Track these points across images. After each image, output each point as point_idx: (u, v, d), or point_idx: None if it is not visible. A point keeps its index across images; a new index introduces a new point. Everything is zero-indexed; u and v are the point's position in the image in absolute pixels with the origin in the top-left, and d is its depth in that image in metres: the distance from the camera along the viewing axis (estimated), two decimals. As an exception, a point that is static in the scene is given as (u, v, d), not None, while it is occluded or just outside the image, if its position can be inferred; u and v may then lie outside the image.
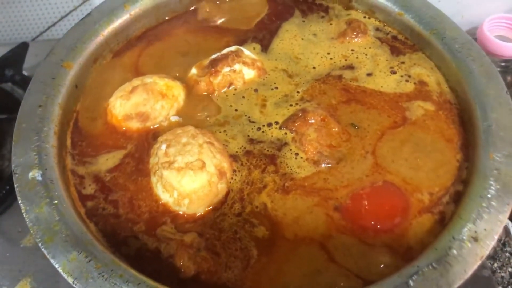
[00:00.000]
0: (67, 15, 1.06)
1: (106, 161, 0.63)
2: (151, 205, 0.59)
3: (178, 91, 0.69)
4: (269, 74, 0.72)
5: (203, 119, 0.67)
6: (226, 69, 0.69)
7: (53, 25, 1.06)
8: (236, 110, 0.68)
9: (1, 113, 1.00)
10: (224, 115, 0.68)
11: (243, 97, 0.70)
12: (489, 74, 0.64)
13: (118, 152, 0.64)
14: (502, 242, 0.87)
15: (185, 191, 0.58)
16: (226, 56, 0.70)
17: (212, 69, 0.69)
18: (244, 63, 0.70)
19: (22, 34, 1.10)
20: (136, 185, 0.61)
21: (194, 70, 0.71)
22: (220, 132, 0.66)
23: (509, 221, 0.89)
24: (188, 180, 0.58)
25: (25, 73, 0.98)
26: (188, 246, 0.55)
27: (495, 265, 0.84)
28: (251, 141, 0.64)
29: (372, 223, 0.56)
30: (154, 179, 0.60)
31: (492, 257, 0.84)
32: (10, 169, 0.92)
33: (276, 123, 0.66)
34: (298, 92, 0.70)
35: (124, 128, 0.66)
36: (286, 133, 0.65)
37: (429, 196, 0.58)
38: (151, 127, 0.67)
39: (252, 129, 0.66)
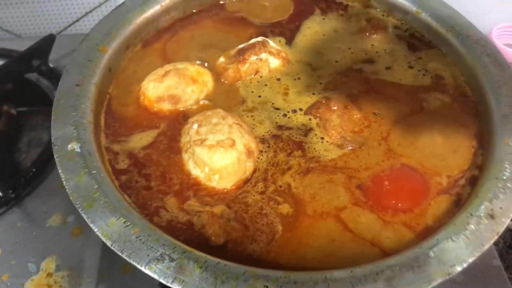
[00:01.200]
0: (91, 11, 1.10)
1: (140, 140, 0.66)
2: (183, 178, 0.62)
3: (207, 78, 0.73)
4: (293, 64, 0.76)
5: (231, 104, 0.70)
6: (253, 58, 0.73)
7: (78, 20, 1.10)
8: (259, 96, 0.72)
9: (21, 106, 1.03)
10: (251, 100, 0.71)
11: (266, 85, 0.73)
12: (502, 67, 0.68)
13: (152, 131, 0.67)
14: (507, 244, 0.89)
15: (216, 166, 0.61)
16: (253, 46, 0.73)
17: (240, 57, 0.72)
18: (270, 52, 0.74)
19: (47, 29, 1.13)
20: (169, 161, 0.64)
21: (222, 59, 0.75)
22: (247, 117, 0.69)
23: (515, 224, 0.92)
24: (219, 157, 0.61)
25: (50, 64, 1.02)
26: (218, 217, 0.58)
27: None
28: (280, 127, 0.68)
29: (393, 202, 0.59)
30: (185, 156, 0.63)
31: (499, 258, 0.86)
32: (27, 161, 0.97)
33: (300, 109, 0.70)
34: (320, 83, 0.73)
35: (155, 109, 0.69)
36: (310, 119, 0.68)
37: (447, 179, 0.61)
38: (181, 109, 0.70)
39: (278, 115, 0.69)
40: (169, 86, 0.70)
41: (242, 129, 0.64)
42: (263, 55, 0.73)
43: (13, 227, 0.78)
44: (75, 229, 0.78)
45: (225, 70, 0.73)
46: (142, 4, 0.78)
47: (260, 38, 0.76)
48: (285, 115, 0.69)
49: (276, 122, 0.68)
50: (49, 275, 0.73)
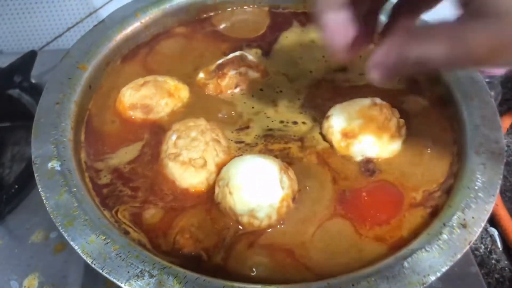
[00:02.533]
0: (73, 26, 1.10)
1: (125, 154, 0.67)
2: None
3: (184, 93, 0.74)
4: (271, 77, 0.77)
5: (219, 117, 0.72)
6: (233, 72, 0.74)
7: (60, 35, 1.10)
8: (253, 107, 0.74)
9: (3, 121, 1.03)
10: (241, 111, 0.73)
11: (253, 96, 0.75)
12: (474, 80, 0.70)
13: (137, 144, 0.69)
14: (488, 250, 0.91)
15: (184, 184, 0.62)
16: (231, 61, 0.75)
17: (220, 72, 0.74)
18: (249, 66, 0.75)
19: (29, 44, 1.14)
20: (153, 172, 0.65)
21: (201, 75, 0.76)
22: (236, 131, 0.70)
23: (494, 230, 0.94)
24: (188, 175, 0.62)
25: (32, 80, 1.02)
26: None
27: (482, 271, 0.87)
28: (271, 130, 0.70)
29: (370, 213, 0.61)
30: (163, 162, 0.65)
31: (480, 264, 0.88)
32: (10, 176, 0.97)
33: (295, 122, 0.72)
34: (299, 99, 0.75)
35: (127, 116, 0.71)
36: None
37: (422, 194, 0.63)
38: (153, 118, 0.71)
39: (273, 121, 0.72)
40: (144, 95, 0.71)
41: (219, 147, 0.65)
42: (242, 69, 0.75)
43: (-5, 244, 0.79)
44: (58, 245, 0.78)
45: (206, 85, 0.74)
46: (121, 21, 0.79)
47: (238, 53, 0.77)
48: (281, 121, 0.72)
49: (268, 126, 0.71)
50: (32, 292, 0.73)
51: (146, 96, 0.71)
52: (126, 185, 0.63)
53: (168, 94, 0.72)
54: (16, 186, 0.84)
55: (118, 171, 0.65)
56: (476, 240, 0.90)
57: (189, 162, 0.63)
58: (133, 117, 0.71)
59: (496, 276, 0.88)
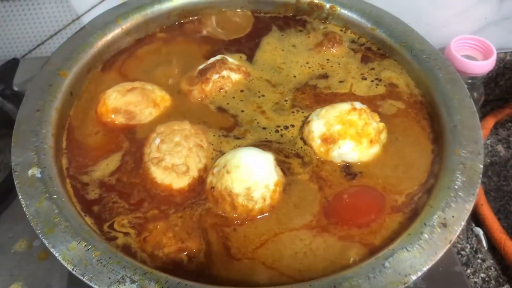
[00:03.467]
0: (56, 33, 1.09)
1: (107, 166, 0.67)
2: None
3: (168, 105, 0.74)
4: (253, 79, 0.78)
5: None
6: (215, 76, 0.74)
7: (42, 43, 1.09)
8: (242, 111, 0.74)
9: (-14, 129, 1.02)
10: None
11: (234, 97, 0.75)
12: (454, 81, 0.71)
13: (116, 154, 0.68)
14: (474, 249, 0.92)
15: (167, 188, 0.63)
16: (213, 65, 0.75)
17: (203, 77, 0.74)
18: (231, 69, 0.76)
19: (11, 52, 1.13)
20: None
21: (183, 82, 0.76)
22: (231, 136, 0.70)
23: (479, 229, 0.95)
24: (171, 180, 0.62)
25: (15, 88, 1.01)
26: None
27: (468, 271, 0.88)
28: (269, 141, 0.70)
29: (351, 216, 0.61)
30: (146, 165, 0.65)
31: (465, 263, 0.89)
32: (-6, 184, 0.96)
33: (292, 126, 0.72)
34: (286, 100, 0.75)
35: (108, 120, 0.71)
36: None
37: (404, 198, 0.63)
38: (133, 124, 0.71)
39: (270, 132, 0.71)
40: (129, 101, 0.71)
41: (202, 152, 0.65)
42: (224, 72, 0.75)
43: (-23, 254, 0.78)
44: (41, 254, 0.77)
45: (190, 92, 0.74)
46: (102, 28, 0.78)
47: (219, 57, 0.77)
48: (277, 131, 0.71)
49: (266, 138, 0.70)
50: (15, 302, 0.72)
51: (131, 103, 0.71)
52: (115, 196, 0.63)
53: (153, 104, 0.72)
54: (-4, 197, 0.84)
55: (105, 185, 0.64)
56: (461, 240, 0.92)
57: (172, 168, 0.63)
58: (115, 121, 0.71)
59: (482, 275, 0.89)
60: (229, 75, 0.75)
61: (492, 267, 0.90)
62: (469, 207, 0.57)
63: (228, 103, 0.75)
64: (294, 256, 0.57)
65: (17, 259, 0.77)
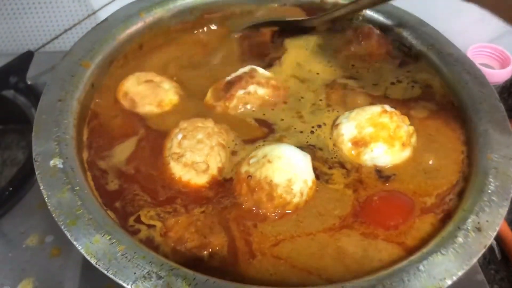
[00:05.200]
0: (70, 28, 1.08)
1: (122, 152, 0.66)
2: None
3: (171, 109, 0.72)
4: (280, 89, 0.75)
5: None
6: (241, 92, 0.71)
7: (56, 37, 1.08)
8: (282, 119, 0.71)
9: (-5, 124, 1.01)
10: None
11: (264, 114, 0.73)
12: (482, 84, 0.70)
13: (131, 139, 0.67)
14: (487, 260, 0.91)
15: (187, 184, 0.61)
16: (240, 79, 0.72)
17: (227, 94, 0.71)
18: (259, 83, 0.72)
19: (24, 45, 1.12)
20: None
21: (209, 94, 0.73)
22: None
23: (493, 240, 0.94)
24: (190, 178, 0.61)
25: (28, 81, 1.00)
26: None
27: (481, 282, 0.87)
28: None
29: (382, 218, 0.59)
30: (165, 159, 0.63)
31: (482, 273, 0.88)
32: (1, 181, 0.94)
33: (324, 124, 0.70)
34: (321, 100, 0.74)
35: (120, 102, 0.71)
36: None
37: (435, 198, 0.62)
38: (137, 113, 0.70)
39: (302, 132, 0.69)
40: (138, 91, 0.71)
41: (223, 152, 0.64)
42: (251, 88, 0.72)
43: (-12, 248, 0.76)
44: (54, 250, 0.76)
45: (214, 108, 0.72)
46: (125, 21, 0.77)
47: (247, 68, 0.74)
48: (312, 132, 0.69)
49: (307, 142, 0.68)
50: (26, 298, 0.70)
51: (139, 93, 0.70)
52: (137, 188, 0.62)
53: (157, 104, 0.71)
54: (10, 189, 0.82)
55: (123, 174, 0.63)
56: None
57: (192, 165, 0.61)
58: (123, 105, 0.71)
59: (495, 286, 0.88)
60: (255, 90, 0.72)
61: (505, 279, 0.89)
62: (503, 212, 0.56)
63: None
64: (321, 255, 0.56)
65: (29, 254, 0.75)
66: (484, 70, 1.10)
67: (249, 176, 0.60)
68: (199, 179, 0.61)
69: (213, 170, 0.62)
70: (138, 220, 0.58)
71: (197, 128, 0.64)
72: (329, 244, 0.57)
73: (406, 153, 0.65)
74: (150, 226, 0.57)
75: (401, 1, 0.80)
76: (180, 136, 0.63)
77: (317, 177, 0.63)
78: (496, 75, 1.12)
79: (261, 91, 0.72)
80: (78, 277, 0.72)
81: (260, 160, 0.60)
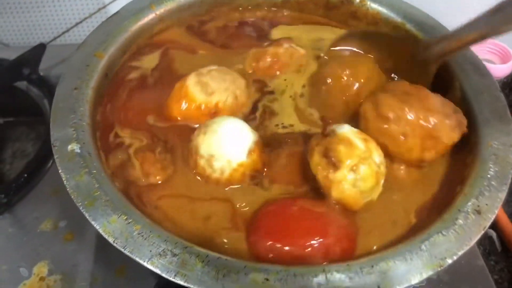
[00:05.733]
0: (81, 22, 1.11)
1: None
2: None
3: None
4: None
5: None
6: (286, 45, 0.78)
7: (67, 30, 1.11)
8: None
9: (7, 116, 1.03)
10: None
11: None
12: (484, 75, 0.72)
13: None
14: (487, 251, 0.93)
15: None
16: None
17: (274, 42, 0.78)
18: None
19: (36, 38, 1.14)
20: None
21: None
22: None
23: (493, 231, 0.95)
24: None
25: (40, 73, 1.02)
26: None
27: (481, 272, 0.88)
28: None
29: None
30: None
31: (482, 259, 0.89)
32: (11, 173, 0.97)
33: None
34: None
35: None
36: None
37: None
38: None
39: None
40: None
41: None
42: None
43: (4, 232, 0.78)
44: (67, 235, 0.78)
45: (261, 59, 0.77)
46: (137, 13, 0.79)
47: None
48: None
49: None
50: (42, 279, 0.72)
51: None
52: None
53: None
54: (25, 175, 0.84)
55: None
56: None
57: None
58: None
59: (495, 277, 0.89)
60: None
61: (505, 269, 0.90)
62: (502, 196, 0.58)
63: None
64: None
65: (43, 238, 0.77)
66: (488, 65, 1.11)
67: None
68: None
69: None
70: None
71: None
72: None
73: None
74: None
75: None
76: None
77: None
78: (497, 70, 1.13)
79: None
80: (91, 260, 0.74)
81: (202, 129, 0.64)
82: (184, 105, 0.68)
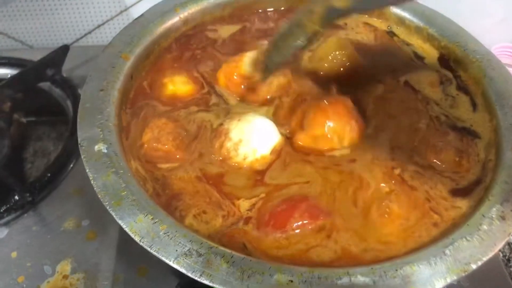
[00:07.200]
0: (103, 24, 1.12)
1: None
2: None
3: None
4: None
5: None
6: None
7: (89, 32, 1.12)
8: None
9: (30, 115, 1.05)
10: None
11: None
12: (508, 81, 0.72)
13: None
14: (507, 257, 0.92)
15: None
16: None
17: None
18: None
19: (59, 40, 1.16)
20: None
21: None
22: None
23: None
24: None
25: (64, 74, 1.04)
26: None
27: (501, 280, 0.88)
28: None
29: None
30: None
31: (503, 266, 0.89)
32: (32, 171, 0.98)
33: None
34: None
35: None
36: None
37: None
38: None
39: None
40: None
41: None
42: None
43: (28, 230, 0.80)
44: (90, 233, 0.79)
45: None
46: (161, 16, 0.80)
47: None
48: None
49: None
50: (65, 277, 0.74)
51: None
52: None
53: None
54: (49, 175, 0.86)
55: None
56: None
57: None
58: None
59: (516, 284, 0.88)
60: None
61: (524, 276, 0.89)
62: (527, 202, 0.58)
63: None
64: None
65: (66, 237, 0.79)
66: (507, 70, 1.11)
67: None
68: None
69: None
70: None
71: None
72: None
73: None
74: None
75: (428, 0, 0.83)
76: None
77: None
78: (518, 75, 1.13)
79: None
80: (113, 259, 0.75)
81: (235, 116, 0.68)
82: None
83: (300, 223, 0.58)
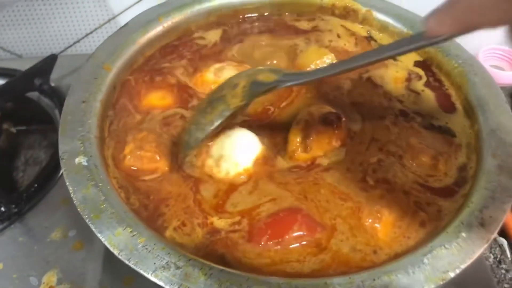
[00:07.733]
0: (91, 32, 1.12)
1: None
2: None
3: None
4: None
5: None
6: None
7: (78, 41, 1.12)
8: None
9: (20, 124, 1.05)
10: None
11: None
12: (489, 86, 0.72)
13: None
14: (498, 259, 0.92)
15: None
16: None
17: None
18: None
19: (48, 49, 1.16)
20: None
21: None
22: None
23: (504, 240, 0.94)
24: None
25: (52, 83, 1.04)
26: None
27: (492, 281, 0.88)
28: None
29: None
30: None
31: (489, 271, 0.89)
32: (23, 180, 0.98)
33: None
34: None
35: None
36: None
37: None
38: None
39: None
40: None
41: None
42: None
43: (14, 241, 0.79)
44: (76, 244, 0.79)
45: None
46: (145, 25, 0.80)
47: None
48: None
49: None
50: (51, 288, 0.73)
51: None
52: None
53: None
54: (36, 185, 0.86)
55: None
56: (485, 250, 0.91)
57: None
58: None
59: (506, 286, 0.88)
60: None
61: (515, 277, 0.89)
62: (507, 208, 0.58)
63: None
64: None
65: (52, 247, 0.78)
66: (495, 71, 1.11)
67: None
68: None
69: None
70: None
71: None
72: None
73: None
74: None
75: (416, 4, 0.83)
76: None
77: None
78: (507, 77, 1.13)
79: None
80: (99, 269, 0.75)
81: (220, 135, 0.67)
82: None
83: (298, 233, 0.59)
